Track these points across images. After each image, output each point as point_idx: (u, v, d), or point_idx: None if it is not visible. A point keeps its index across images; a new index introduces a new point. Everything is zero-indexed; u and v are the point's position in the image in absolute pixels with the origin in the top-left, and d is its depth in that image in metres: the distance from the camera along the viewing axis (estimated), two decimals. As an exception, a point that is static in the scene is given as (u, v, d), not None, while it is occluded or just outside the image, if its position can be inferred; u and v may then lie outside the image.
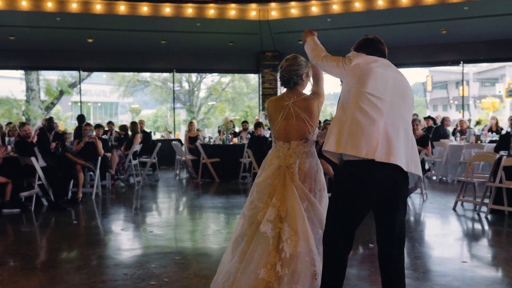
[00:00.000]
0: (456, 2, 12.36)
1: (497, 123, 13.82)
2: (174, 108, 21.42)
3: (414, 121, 10.23)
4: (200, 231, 7.34)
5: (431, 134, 12.93)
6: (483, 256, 5.90)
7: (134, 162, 12.35)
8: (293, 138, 3.93)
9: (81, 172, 9.61)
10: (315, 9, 13.62)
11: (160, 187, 11.91)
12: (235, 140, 13.15)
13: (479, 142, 11.79)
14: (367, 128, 3.21)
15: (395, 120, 3.28)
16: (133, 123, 13.39)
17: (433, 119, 15.27)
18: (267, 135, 12.63)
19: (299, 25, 13.98)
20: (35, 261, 5.67)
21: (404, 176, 3.31)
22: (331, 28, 14.31)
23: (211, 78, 33.97)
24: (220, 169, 12.61)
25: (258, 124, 12.60)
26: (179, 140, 16.13)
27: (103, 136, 11.89)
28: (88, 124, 10.79)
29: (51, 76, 29.24)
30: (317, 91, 4.05)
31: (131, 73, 32.03)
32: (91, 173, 10.35)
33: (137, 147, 12.55)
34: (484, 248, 6.36)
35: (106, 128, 13.95)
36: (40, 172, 8.69)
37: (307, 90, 4.11)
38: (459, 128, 13.68)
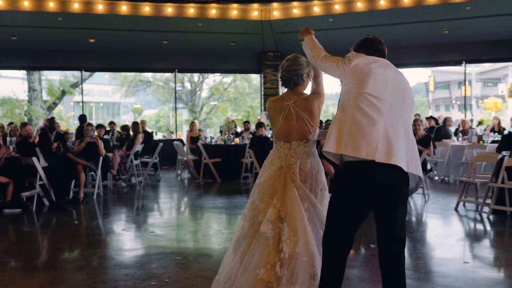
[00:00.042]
0: (458, 2, 12.33)
1: (499, 123, 13.80)
2: (176, 108, 21.42)
3: (416, 121, 10.23)
4: (201, 231, 7.33)
5: (433, 134, 12.91)
6: (485, 257, 5.88)
7: (135, 162, 12.34)
8: (294, 139, 3.92)
9: (82, 172, 9.61)
10: (317, 9, 13.60)
11: (161, 187, 11.90)
12: (237, 140, 13.13)
13: (481, 142, 11.75)
14: (367, 129, 3.19)
15: (395, 120, 3.26)
16: (135, 123, 13.40)
17: (435, 119, 15.24)
18: (269, 135, 12.61)
19: (301, 25, 13.80)
20: (36, 261, 5.67)
21: (405, 176, 3.29)
22: (333, 28, 14.30)
23: (213, 78, 33.97)
24: (221, 169, 12.60)
25: (259, 124, 12.59)
26: (181, 140, 16.13)
27: (105, 136, 11.89)
28: (90, 124, 10.79)
29: (53, 76, 29.26)
30: (317, 91, 4.04)
31: (133, 73, 32.05)
32: (93, 173, 10.35)
33: (138, 147, 12.55)
34: (486, 248, 6.34)
35: (108, 128, 13.95)
36: (41, 172, 8.69)
37: (307, 89, 4.10)
38: (461, 128, 13.65)
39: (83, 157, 9.89)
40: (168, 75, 30.32)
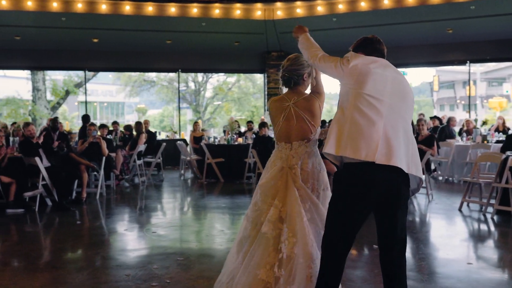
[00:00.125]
0: (463, 1, 12.27)
1: (504, 123, 13.72)
2: (179, 108, 21.42)
3: (420, 121, 10.19)
4: (203, 231, 7.31)
5: (437, 134, 12.86)
6: (489, 257, 5.85)
7: (138, 162, 12.35)
8: (295, 139, 3.90)
9: (85, 172, 9.60)
10: (320, 9, 13.56)
11: (164, 187, 11.90)
12: (240, 140, 13.12)
13: (485, 142, 11.70)
14: (366, 130, 3.16)
15: (394, 121, 3.23)
16: (138, 123, 13.40)
17: (439, 119, 15.19)
18: (272, 135, 12.59)
19: (305, 24, 13.75)
20: (38, 261, 5.66)
21: (405, 177, 3.26)
22: (336, 27, 14.26)
23: (217, 78, 33.99)
24: (224, 169, 12.59)
25: (262, 124, 12.57)
26: (184, 140, 16.12)
27: (108, 136, 11.90)
28: (93, 124, 10.79)
29: (57, 76, 29.33)
30: (317, 90, 4.01)
31: (137, 73, 32.09)
32: (96, 173, 10.34)
33: (141, 147, 12.55)
34: (490, 249, 6.30)
35: (111, 128, 13.96)
36: (44, 172, 8.69)
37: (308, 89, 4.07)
38: (465, 128, 13.59)
39: (86, 157, 9.89)
40: (172, 75, 30.36)
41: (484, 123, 14.96)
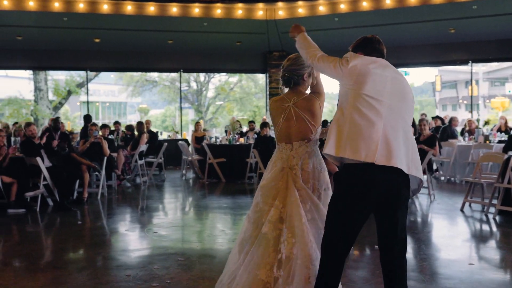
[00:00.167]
0: (465, 1, 12.24)
1: (506, 123, 13.69)
2: (181, 108, 21.42)
3: (422, 121, 10.16)
4: (205, 232, 7.30)
5: (438, 134, 12.83)
6: (491, 258, 5.82)
7: (140, 162, 12.35)
8: (295, 139, 3.89)
9: (86, 172, 9.60)
10: (322, 9, 13.54)
11: (166, 187, 11.89)
12: (242, 140, 13.11)
13: (487, 142, 11.67)
14: (366, 131, 3.15)
15: (394, 122, 3.21)
16: (139, 123, 13.40)
17: (441, 119, 15.16)
18: (273, 135, 12.57)
19: (307, 24, 13.75)
20: (39, 261, 5.65)
21: (405, 178, 3.25)
22: (338, 27, 14.24)
23: (219, 78, 33.99)
24: (226, 169, 12.58)
25: (264, 124, 12.56)
26: (186, 140, 16.12)
27: (110, 136, 11.90)
28: (94, 124, 10.79)
29: (59, 76, 29.35)
30: (317, 90, 4.00)
31: (139, 73, 32.11)
32: (97, 173, 10.34)
33: (143, 147, 12.54)
34: (492, 250, 6.27)
35: (113, 128, 13.95)
36: (45, 172, 8.69)
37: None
38: (467, 128, 13.56)
39: (87, 157, 9.89)
40: (174, 75, 30.37)
41: (486, 123, 14.91)
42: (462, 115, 32.15)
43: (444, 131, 13.29)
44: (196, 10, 13.72)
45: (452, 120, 13.66)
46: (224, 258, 4.32)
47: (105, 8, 13.15)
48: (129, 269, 5.20)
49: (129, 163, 12.05)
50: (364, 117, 3.16)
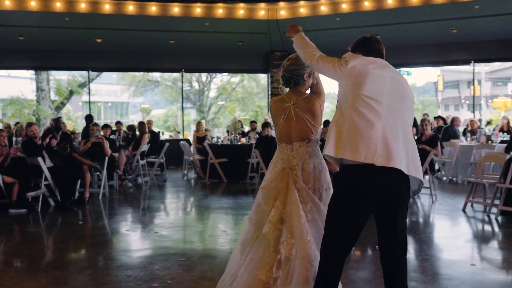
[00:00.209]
0: (467, 0, 12.20)
1: (508, 123, 13.65)
2: (183, 108, 21.41)
3: (423, 121, 10.15)
4: (206, 232, 7.29)
5: (440, 134, 12.81)
6: (492, 258, 5.80)
7: (141, 162, 12.34)
8: (295, 139, 3.88)
9: (87, 172, 9.60)
10: (324, 8, 13.52)
11: (167, 188, 11.88)
12: (243, 140, 13.09)
13: (489, 142, 11.64)
14: (365, 132, 3.13)
15: (393, 122, 3.19)
16: (141, 123, 13.40)
17: (443, 119, 15.14)
18: (275, 135, 12.56)
19: (308, 24, 13.90)
20: (40, 261, 5.65)
21: (405, 179, 3.23)
22: (340, 27, 14.22)
23: (221, 78, 33.99)
24: (228, 169, 12.57)
25: (265, 124, 12.54)
26: (187, 140, 16.11)
27: (111, 136, 11.89)
28: (95, 124, 10.79)
29: (61, 76, 29.38)
30: (317, 90, 3.99)
31: (141, 73, 32.12)
32: (98, 173, 10.34)
33: (144, 147, 12.54)
34: (494, 250, 6.26)
35: (114, 128, 13.95)
36: (46, 172, 8.69)
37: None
38: (469, 128, 13.53)
39: (89, 157, 9.89)
40: (176, 75, 30.38)
41: (489, 123, 14.87)
42: (465, 115, 32.11)
43: (446, 131, 13.27)
44: (197, 10, 13.72)
45: (454, 120, 13.63)
46: (225, 259, 4.31)
47: (107, 8, 13.15)
48: (130, 270, 5.19)
49: (131, 163, 12.05)
50: (363, 118, 3.15)
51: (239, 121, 14.71)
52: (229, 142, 13.06)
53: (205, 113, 33.45)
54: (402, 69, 17.97)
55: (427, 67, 20.26)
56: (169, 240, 6.64)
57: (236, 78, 33.87)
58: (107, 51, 16.74)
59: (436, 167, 10.03)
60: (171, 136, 17.50)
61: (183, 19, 13.91)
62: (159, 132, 15.67)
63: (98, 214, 8.69)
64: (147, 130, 13.25)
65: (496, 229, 7.30)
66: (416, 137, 10.52)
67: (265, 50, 16.92)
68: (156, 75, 32.78)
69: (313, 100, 3.88)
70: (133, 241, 6.68)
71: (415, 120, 13.06)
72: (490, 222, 7.60)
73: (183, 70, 18.30)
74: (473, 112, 18.53)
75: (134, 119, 38.81)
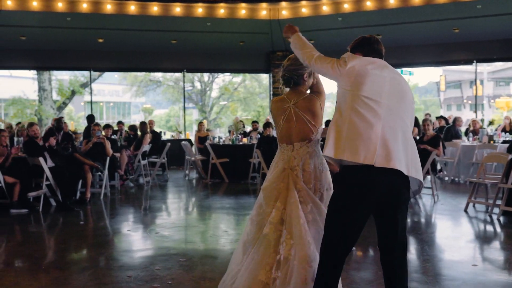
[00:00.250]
0: (469, 0, 12.19)
1: (510, 123, 13.61)
2: (184, 108, 21.41)
3: (425, 121, 10.13)
4: (207, 232, 7.28)
5: (442, 134, 12.78)
6: (494, 259, 5.78)
7: (143, 162, 12.33)
8: (296, 140, 3.87)
9: (89, 172, 9.60)
10: (326, 8, 13.50)
11: (169, 188, 11.88)
12: (245, 140, 13.08)
13: (492, 142, 11.61)
14: (364, 133, 3.11)
15: (393, 122, 3.18)
16: (143, 123, 13.40)
17: (445, 119, 15.11)
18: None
19: (310, 24, 13.90)
20: (41, 261, 5.64)
21: (405, 179, 3.22)
22: (342, 27, 14.20)
23: (223, 78, 34.00)
24: (229, 169, 12.56)
25: (267, 124, 12.52)
26: (189, 140, 16.11)
27: (113, 136, 11.89)
28: (97, 124, 10.79)
29: (63, 76, 29.42)
30: (317, 89, 3.98)
31: (143, 73, 32.14)
32: (100, 173, 10.34)
33: (146, 147, 12.53)
34: (495, 251, 6.23)
35: (116, 128, 13.95)
36: (48, 172, 8.69)
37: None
38: (471, 128, 13.50)
39: (90, 157, 9.88)
40: (178, 75, 30.38)
41: (491, 123, 14.86)
42: (467, 115, 32.08)
43: (448, 131, 13.24)
44: (199, 10, 13.71)
45: (456, 120, 13.60)
46: (227, 259, 4.30)
47: (109, 8, 13.15)
48: (131, 270, 5.18)
49: (132, 163, 12.05)
50: (362, 118, 3.13)
51: (241, 121, 14.68)
52: (230, 142, 13.05)
53: (207, 113, 33.46)
54: (404, 69, 17.96)
55: (429, 67, 20.24)
56: (170, 241, 6.63)
57: (238, 78, 33.88)
58: (109, 51, 16.74)
59: (438, 167, 10.01)
60: (172, 136, 17.50)
61: (185, 19, 13.90)
62: (160, 132, 15.68)
63: (99, 214, 8.68)
64: (148, 130, 13.25)
65: (498, 229, 7.28)
66: (418, 137, 10.51)
67: (267, 50, 16.91)
68: (158, 75, 32.79)
69: (313, 100, 3.87)
70: (134, 241, 6.67)
71: (416, 120, 13.06)
72: (492, 223, 7.58)
73: (185, 70, 18.29)
74: (475, 112, 18.50)
75: (136, 119, 38.85)
